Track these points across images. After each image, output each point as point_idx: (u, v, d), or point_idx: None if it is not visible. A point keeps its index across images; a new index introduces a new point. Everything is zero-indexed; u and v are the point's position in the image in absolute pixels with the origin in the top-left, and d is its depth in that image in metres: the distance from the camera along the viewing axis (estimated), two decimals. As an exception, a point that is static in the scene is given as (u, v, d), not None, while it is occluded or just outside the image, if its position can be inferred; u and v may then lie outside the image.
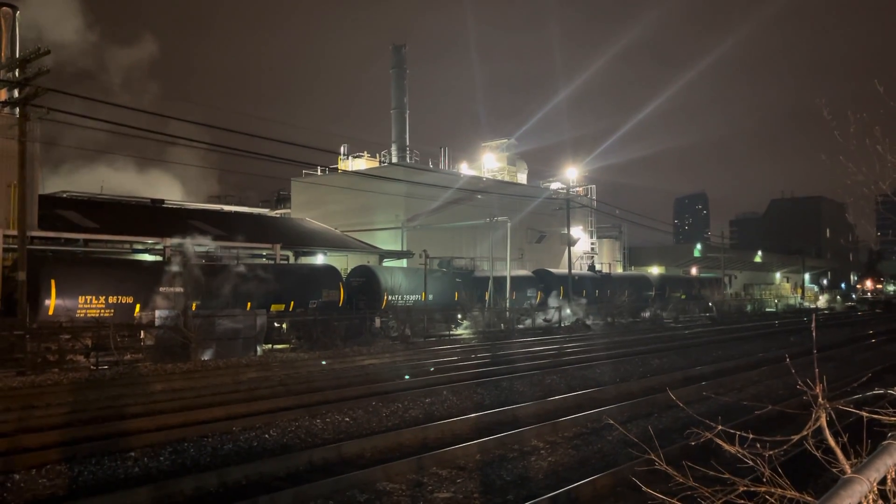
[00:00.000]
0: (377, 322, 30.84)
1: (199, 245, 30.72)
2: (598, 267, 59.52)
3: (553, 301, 41.73)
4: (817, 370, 2.73)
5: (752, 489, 2.94)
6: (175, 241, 29.21)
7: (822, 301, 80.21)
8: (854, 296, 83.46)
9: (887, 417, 2.92)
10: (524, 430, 10.66)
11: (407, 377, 17.10)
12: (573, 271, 44.87)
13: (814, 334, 3.05)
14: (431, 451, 9.44)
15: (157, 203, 39.93)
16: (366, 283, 32.63)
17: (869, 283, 79.84)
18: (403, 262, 41.60)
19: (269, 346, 24.95)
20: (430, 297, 34.22)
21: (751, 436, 3.08)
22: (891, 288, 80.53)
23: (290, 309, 27.60)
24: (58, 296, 21.17)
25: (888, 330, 34.18)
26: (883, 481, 2.46)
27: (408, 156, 55.92)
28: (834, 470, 2.83)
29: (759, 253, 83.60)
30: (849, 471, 2.43)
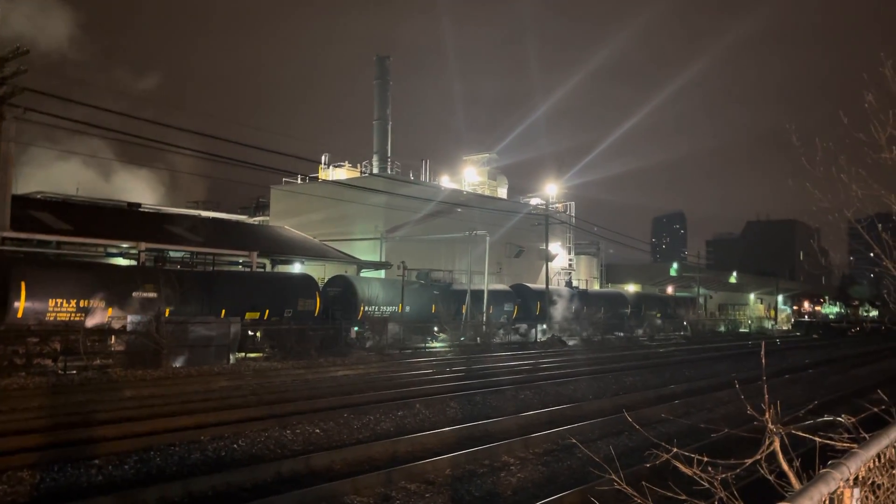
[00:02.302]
0: (353, 333, 30.72)
1: (175, 250, 30.49)
2: (575, 283, 59.81)
3: (530, 316, 41.85)
4: (767, 396, 2.79)
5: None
6: (150, 245, 28.94)
7: (790, 323, 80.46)
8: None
9: (840, 443, 2.99)
10: (495, 446, 10.67)
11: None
12: (550, 287, 45.06)
13: (763, 361, 3.10)
14: (401, 464, 9.41)
15: (133, 206, 39.43)
16: (342, 294, 32.48)
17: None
18: (381, 274, 41.51)
19: (243, 354, 24.72)
20: (407, 308, 34.15)
21: (705, 458, 3.13)
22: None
23: (265, 317, 27.37)
24: (27, 298, 20.81)
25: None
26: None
27: (389, 167, 55.97)
28: (787, 494, 2.88)
29: (734, 274, 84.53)
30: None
